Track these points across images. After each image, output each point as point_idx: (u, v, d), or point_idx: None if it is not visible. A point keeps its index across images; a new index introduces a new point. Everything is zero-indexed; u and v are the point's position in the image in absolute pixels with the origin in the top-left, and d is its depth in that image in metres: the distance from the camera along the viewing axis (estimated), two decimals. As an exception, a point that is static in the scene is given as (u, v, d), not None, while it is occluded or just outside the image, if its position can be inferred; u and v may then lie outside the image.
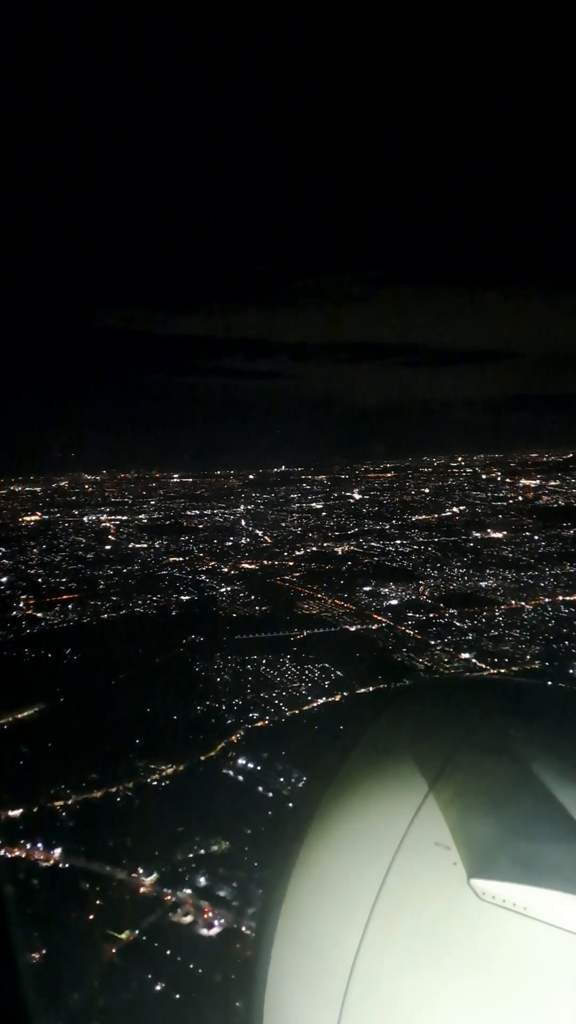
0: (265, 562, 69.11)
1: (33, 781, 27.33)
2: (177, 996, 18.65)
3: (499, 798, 1.48)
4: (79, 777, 27.63)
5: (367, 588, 56.86)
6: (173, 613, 51.43)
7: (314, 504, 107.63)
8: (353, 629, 47.19)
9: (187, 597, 55.69)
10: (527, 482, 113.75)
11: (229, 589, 58.41)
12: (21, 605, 52.96)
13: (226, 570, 65.71)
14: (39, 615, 50.56)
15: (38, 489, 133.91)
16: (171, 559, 70.11)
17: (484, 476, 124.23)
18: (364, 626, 47.78)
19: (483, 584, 56.62)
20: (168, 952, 20.21)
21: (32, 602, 53.53)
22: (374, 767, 1.77)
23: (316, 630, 46.62)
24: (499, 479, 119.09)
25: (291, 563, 68.46)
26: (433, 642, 43.34)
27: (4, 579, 60.65)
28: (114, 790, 27.02)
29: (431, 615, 49.04)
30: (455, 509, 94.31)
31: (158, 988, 18.91)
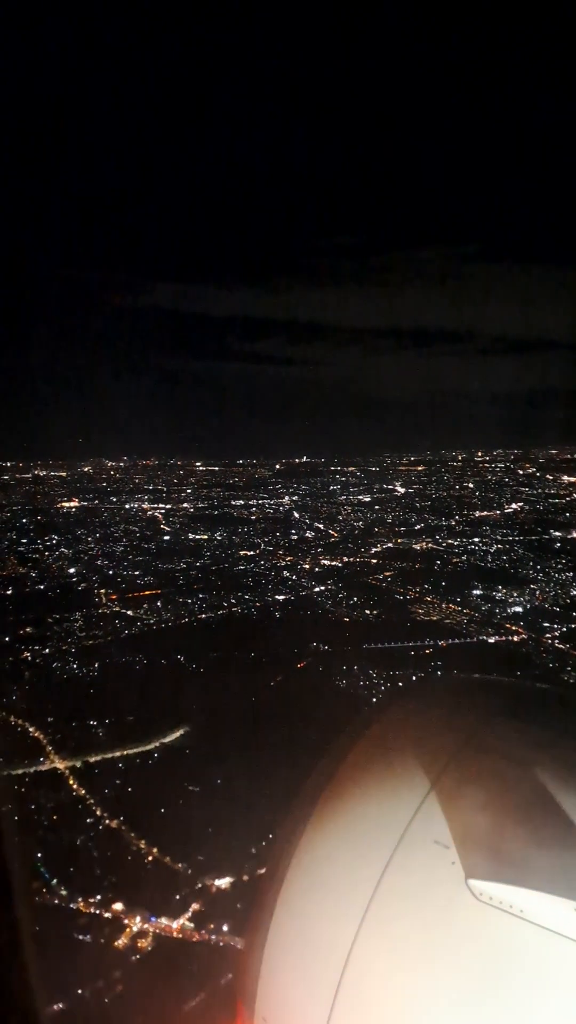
0: (345, 559, 63.70)
1: (223, 833, 21.82)
2: None
3: (500, 799, 1.50)
4: (270, 831, 22.05)
5: (476, 592, 51.58)
6: (277, 615, 45.98)
7: (361, 497, 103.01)
8: (492, 641, 41.90)
9: (282, 597, 50.24)
10: (570, 479, 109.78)
11: (323, 589, 53.00)
12: (104, 600, 47.29)
13: (307, 567, 60.27)
14: (129, 613, 44.98)
15: (64, 474, 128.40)
16: (241, 552, 64.77)
17: (520, 472, 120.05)
18: (503, 637, 42.46)
19: (606, 591, 51.46)
20: None
21: (114, 598, 47.91)
22: (377, 763, 1.77)
23: (451, 640, 41.32)
24: (537, 475, 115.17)
25: (374, 560, 63.13)
26: (599, 660, 38.06)
27: (72, 569, 54.99)
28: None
29: (573, 627, 43.74)
30: (514, 506, 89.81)
31: None
